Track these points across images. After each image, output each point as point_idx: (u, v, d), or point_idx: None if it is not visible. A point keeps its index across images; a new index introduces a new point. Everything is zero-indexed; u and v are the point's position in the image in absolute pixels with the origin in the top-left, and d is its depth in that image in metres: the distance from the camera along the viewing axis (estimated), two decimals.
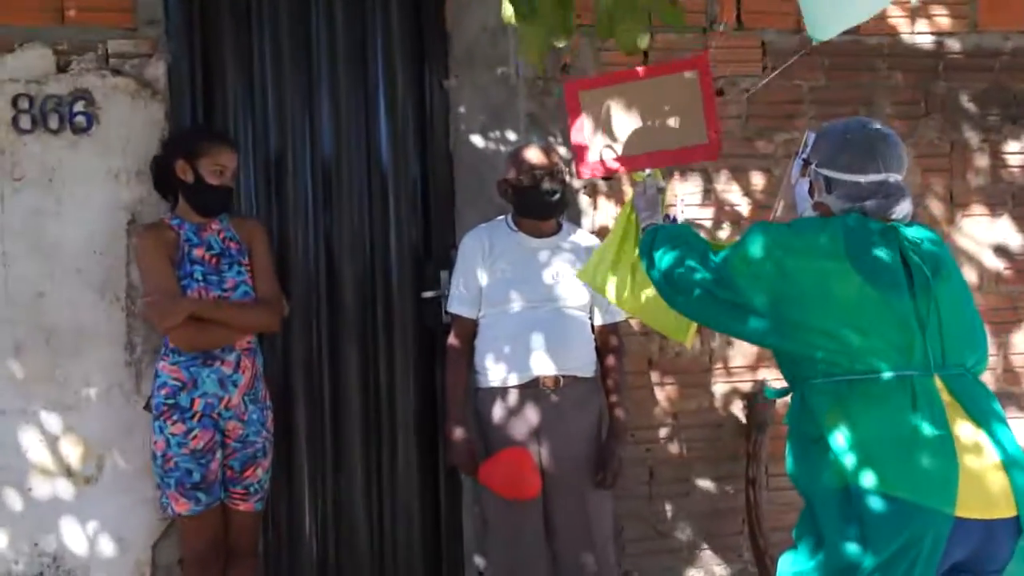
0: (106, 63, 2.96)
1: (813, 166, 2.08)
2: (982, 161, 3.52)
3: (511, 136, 3.22)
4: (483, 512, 2.88)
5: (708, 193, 3.37)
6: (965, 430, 1.86)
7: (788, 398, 2.12)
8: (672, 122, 2.40)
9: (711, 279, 2.02)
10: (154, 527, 2.98)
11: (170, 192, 2.86)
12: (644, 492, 3.32)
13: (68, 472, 2.94)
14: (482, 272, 2.83)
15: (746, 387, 3.42)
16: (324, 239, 3.21)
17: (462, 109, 3.21)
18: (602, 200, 3.30)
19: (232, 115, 3.14)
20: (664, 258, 2.13)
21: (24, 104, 2.90)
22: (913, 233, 2.01)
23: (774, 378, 3.38)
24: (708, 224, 3.36)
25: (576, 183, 3.19)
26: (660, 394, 3.36)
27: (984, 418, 1.88)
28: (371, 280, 3.23)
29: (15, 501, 2.90)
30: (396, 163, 3.26)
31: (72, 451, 2.94)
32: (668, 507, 3.36)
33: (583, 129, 2.42)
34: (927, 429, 1.84)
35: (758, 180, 3.42)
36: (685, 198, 3.34)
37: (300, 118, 3.20)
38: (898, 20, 3.47)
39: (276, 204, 3.18)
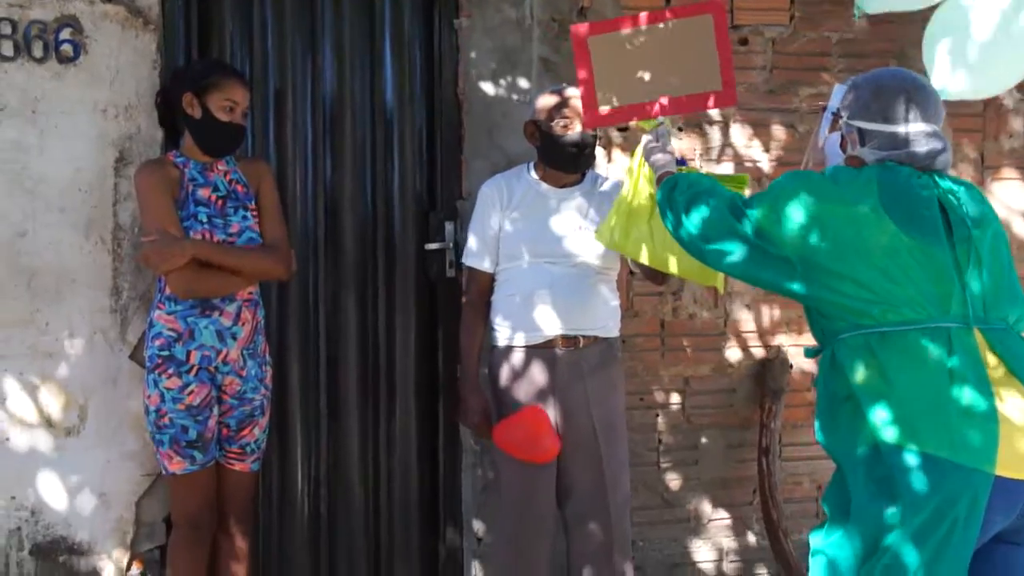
0: None
1: (845, 119, 2.02)
2: (1017, 123, 3.44)
3: (523, 83, 3.14)
4: (493, 474, 2.83)
5: (726, 148, 3.29)
6: (1006, 385, 1.80)
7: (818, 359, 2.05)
8: (684, 68, 2.35)
9: (751, 232, 1.96)
10: (138, 482, 2.91)
11: (174, 129, 2.73)
12: (652, 459, 3.28)
13: (48, 423, 2.86)
14: (499, 223, 2.72)
15: (761, 352, 3.37)
16: (324, 186, 3.15)
17: (472, 52, 3.12)
18: (617, 152, 3.21)
19: (229, 50, 3.06)
20: (692, 212, 2.05)
21: (6, 29, 2.78)
22: (951, 183, 1.97)
23: (791, 343, 3.38)
24: None
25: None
26: (672, 358, 3.31)
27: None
28: (373, 230, 3.18)
29: None
30: (401, 107, 3.19)
31: (53, 401, 2.85)
32: (677, 475, 3.32)
33: (591, 76, 2.36)
34: (964, 384, 1.77)
35: (780, 135, 3.34)
36: (703, 153, 3.27)
37: (301, 56, 3.12)
38: None
39: (275, 147, 3.11)
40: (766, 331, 3.37)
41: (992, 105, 3.39)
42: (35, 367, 2.83)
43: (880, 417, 1.79)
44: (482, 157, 3.12)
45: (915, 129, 1.95)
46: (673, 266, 2.45)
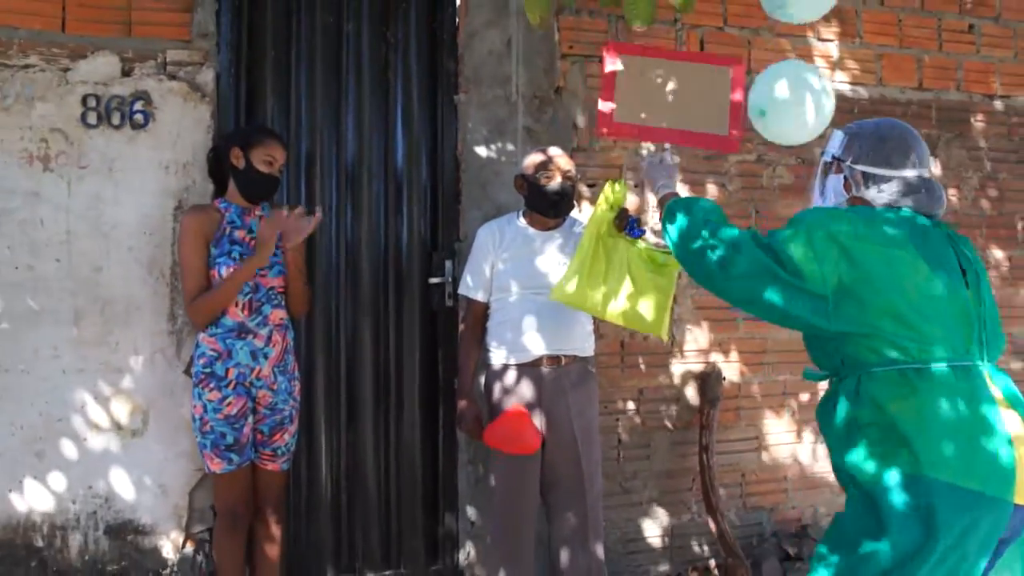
0: (164, 70, 3.13)
1: (848, 163, 2.02)
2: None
3: (510, 147, 3.45)
4: (485, 470, 2.99)
5: None
6: (1012, 420, 1.82)
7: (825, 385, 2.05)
8: (698, 108, 2.36)
9: (784, 269, 1.88)
10: (190, 476, 3.14)
11: (222, 180, 2.94)
12: (614, 455, 3.54)
13: (118, 426, 3.08)
14: (491, 261, 2.93)
15: (699, 368, 3.69)
16: (346, 232, 3.35)
17: (469, 122, 3.38)
18: (585, 204, 3.49)
19: (270, 119, 3.30)
20: (717, 245, 1.96)
21: (92, 103, 3.08)
22: (947, 228, 2.00)
23: (723, 361, 3.69)
24: None
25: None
26: (629, 373, 3.57)
27: (1020, 407, 1.86)
28: (385, 268, 3.38)
29: (72, 450, 3.07)
30: (410, 167, 3.42)
31: (121, 408, 3.08)
32: (632, 468, 3.57)
33: (613, 89, 2.37)
34: (987, 419, 1.78)
35: (714, 191, 3.76)
36: (654, 206, 3.60)
37: (328, 125, 3.34)
38: (824, 70, 3.86)
39: (305, 199, 3.31)
40: (704, 350, 3.67)
41: None
42: (107, 380, 3.07)
43: (918, 450, 1.76)
44: (476, 207, 3.37)
45: (915, 174, 1.97)
46: (626, 322, 2.58)
